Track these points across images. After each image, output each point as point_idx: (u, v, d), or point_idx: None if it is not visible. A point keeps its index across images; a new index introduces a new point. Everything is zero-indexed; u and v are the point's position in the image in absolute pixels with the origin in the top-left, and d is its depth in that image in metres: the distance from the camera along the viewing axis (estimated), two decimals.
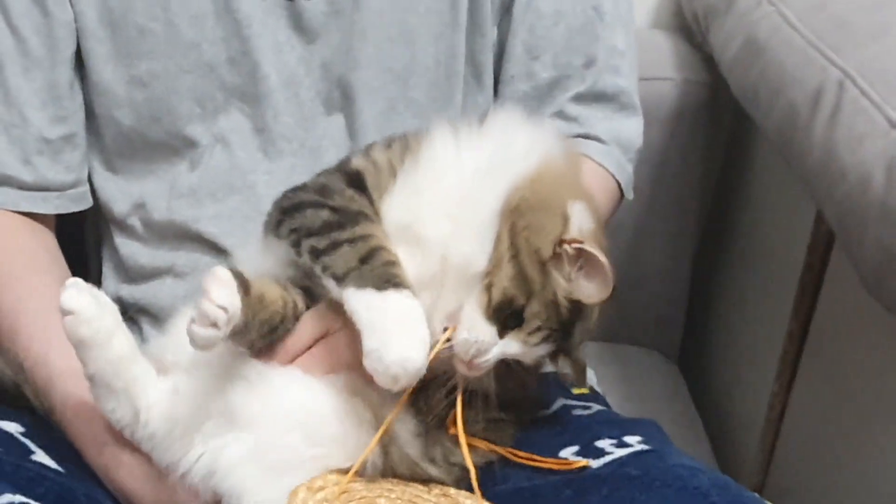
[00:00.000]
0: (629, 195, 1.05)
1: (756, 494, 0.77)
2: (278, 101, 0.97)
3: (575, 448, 0.84)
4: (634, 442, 0.84)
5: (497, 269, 0.77)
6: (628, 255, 1.34)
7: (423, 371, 0.75)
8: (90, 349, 0.79)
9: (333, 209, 0.81)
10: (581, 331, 0.80)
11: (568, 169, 0.83)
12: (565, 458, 0.83)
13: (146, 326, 1.02)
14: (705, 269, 1.42)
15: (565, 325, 0.78)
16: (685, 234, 1.35)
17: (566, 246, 0.77)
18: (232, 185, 0.99)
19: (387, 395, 0.80)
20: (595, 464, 0.81)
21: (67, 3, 0.96)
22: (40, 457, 0.83)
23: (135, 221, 1.02)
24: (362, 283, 0.77)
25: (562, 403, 0.96)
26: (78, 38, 0.98)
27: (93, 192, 1.04)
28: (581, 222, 0.78)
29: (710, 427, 1.30)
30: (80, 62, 0.99)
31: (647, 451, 0.82)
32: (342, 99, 0.98)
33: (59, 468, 0.83)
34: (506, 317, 0.77)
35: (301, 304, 0.83)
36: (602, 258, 0.75)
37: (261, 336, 0.80)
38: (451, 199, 0.81)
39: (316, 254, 0.79)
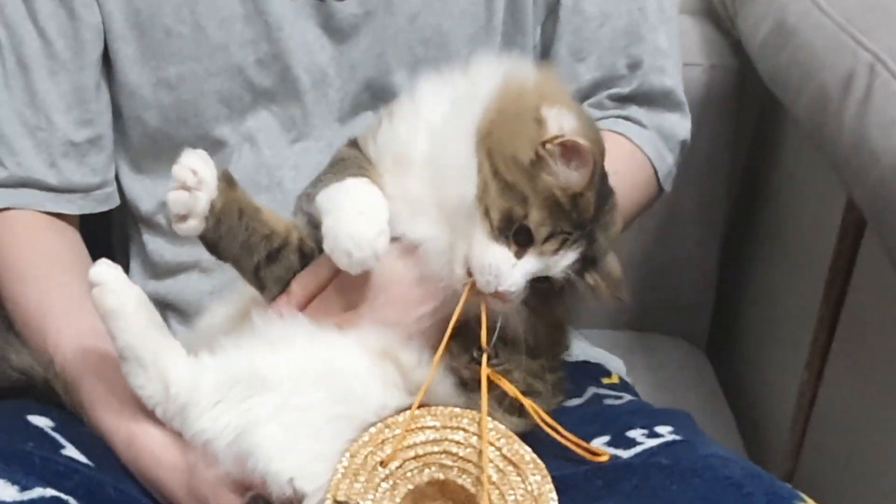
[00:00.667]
0: (667, 187, 1.04)
1: (788, 484, 0.77)
2: (308, 101, 0.98)
3: (606, 438, 0.84)
4: (665, 432, 0.84)
5: (486, 192, 0.77)
6: (656, 241, 1.34)
7: (378, 248, 0.77)
8: (117, 319, 0.82)
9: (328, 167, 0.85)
10: (603, 234, 0.79)
11: (540, 83, 0.82)
12: (595, 447, 0.82)
13: (173, 322, 1.03)
14: (734, 257, 1.41)
15: (582, 228, 0.77)
16: (713, 220, 1.34)
17: (548, 146, 0.76)
18: (259, 182, 1.00)
19: (420, 358, 0.81)
20: (626, 454, 0.82)
21: (95, 6, 0.97)
22: (70, 451, 0.84)
23: (161, 219, 1.03)
24: (327, 183, 0.80)
25: (593, 392, 0.97)
26: (105, 39, 0.98)
27: (120, 190, 1.05)
28: (561, 122, 0.77)
29: (739, 415, 1.29)
30: (107, 64, 1.00)
31: (678, 441, 0.82)
32: (371, 100, 0.99)
33: (89, 462, 0.84)
34: (515, 235, 0.77)
35: (311, 245, 0.84)
36: (582, 141, 0.75)
37: (266, 258, 0.82)
38: (428, 144, 0.82)
39: (308, 197, 0.83)
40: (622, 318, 1.40)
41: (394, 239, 0.81)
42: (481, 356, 0.80)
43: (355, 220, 0.78)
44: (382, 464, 0.78)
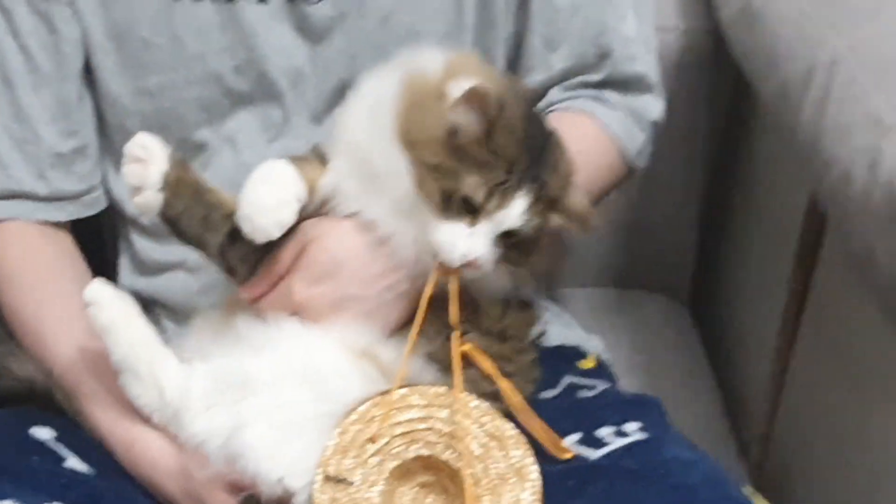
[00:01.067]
0: (640, 163, 1.07)
1: (743, 490, 0.83)
2: (286, 102, 1.01)
3: (577, 436, 0.89)
4: (633, 430, 0.89)
5: (422, 182, 0.82)
6: (638, 202, 1.36)
7: (280, 217, 0.83)
8: (112, 334, 0.87)
9: None
10: (552, 174, 0.82)
11: (448, 66, 0.85)
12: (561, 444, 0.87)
13: (164, 319, 1.07)
14: (714, 216, 1.43)
15: (515, 171, 0.81)
16: (692, 182, 1.36)
17: (452, 110, 0.80)
18: (239, 182, 1.01)
19: (399, 355, 0.85)
20: (595, 454, 0.87)
21: (74, 20, 1.00)
22: (72, 462, 0.90)
23: (147, 219, 1.06)
24: None
25: (568, 382, 1.01)
26: (86, 52, 1.01)
27: (108, 192, 1.08)
28: (462, 86, 0.80)
29: (719, 373, 1.34)
30: (89, 75, 1.03)
31: (644, 440, 0.88)
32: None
33: (90, 470, 0.90)
34: (460, 207, 0.81)
35: None
36: (475, 84, 0.79)
37: (228, 236, 0.87)
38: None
39: None
40: (606, 277, 1.43)
41: (351, 215, 0.87)
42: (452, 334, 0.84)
43: (258, 189, 0.84)
44: (371, 440, 0.82)
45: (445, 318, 0.85)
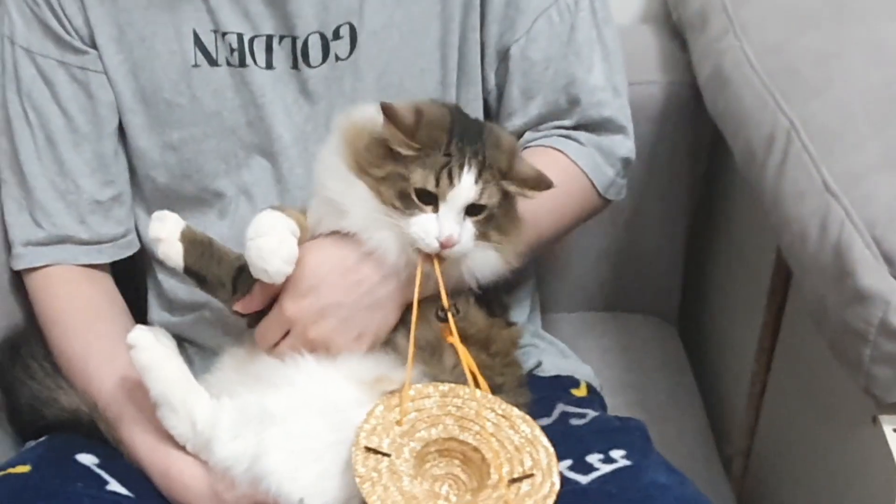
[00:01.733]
0: (610, 195, 1.17)
1: None
2: (292, 155, 1.12)
3: (569, 462, 0.99)
4: (618, 457, 0.99)
5: (380, 194, 0.95)
6: (626, 235, 1.46)
7: (284, 254, 0.95)
8: (151, 373, 0.99)
9: None
10: (492, 149, 0.95)
11: (374, 111, 0.97)
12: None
13: (192, 354, 1.18)
14: (699, 246, 1.52)
15: (453, 151, 0.93)
16: (676, 215, 1.46)
17: (382, 125, 0.94)
18: None
19: (398, 380, 0.95)
20: (584, 479, 0.97)
21: (108, 86, 1.11)
22: (113, 486, 1.00)
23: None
24: None
25: (561, 411, 1.11)
26: (119, 111, 1.13)
27: (138, 234, 1.19)
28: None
29: (705, 391, 1.42)
30: (121, 132, 1.14)
31: (626, 467, 0.97)
32: None
33: (130, 494, 1.00)
34: (419, 200, 0.94)
35: None
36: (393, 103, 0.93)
37: (238, 270, 1.00)
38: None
39: None
40: (599, 300, 1.52)
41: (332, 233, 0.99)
42: (446, 315, 0.96)
43: (258, 242, 0.95)
44: (398, 423, 0.92)
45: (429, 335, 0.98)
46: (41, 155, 1.12)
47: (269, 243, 0.96)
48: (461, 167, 0.93)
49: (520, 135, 1.15)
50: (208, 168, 1.13)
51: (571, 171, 1.13)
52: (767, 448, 1.29)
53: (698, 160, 1.43)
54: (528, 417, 0.94)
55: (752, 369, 1.28)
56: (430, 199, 0.94)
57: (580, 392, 1.17)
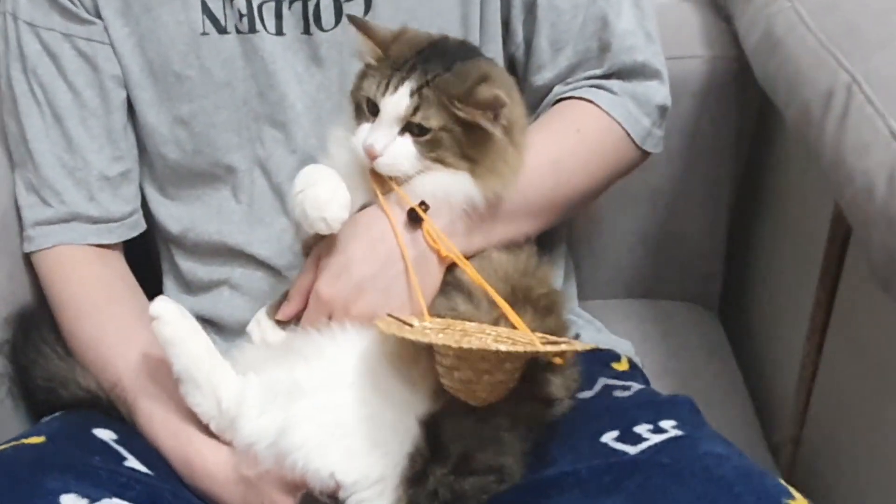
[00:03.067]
0: (647, 147, 1.11)
1: (779, 481, 0.84)
2: (305, 124, 1.08)
3: (615, 433, 0.93)
4: (669, 427, 0.93)
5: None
6: (667, 216, 1.42)
7: (339, 203, 0.93)
8: (174, 347, 0.95)
9: None
10: (444, 68, 0.94)
11: None
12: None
13: (212, 335, 1.12)
14: (743, 228, 1.47)
15: (399, 67, 0.94)
16: (719, 197, 1.41)
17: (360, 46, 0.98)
18: (276, 207, 1.10)
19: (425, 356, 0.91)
20: (633, 450, 0.90)
21: (114, 59, 1.08)
22: (132, 462, 0.96)
23: (188, 241, 1.14)
24: None
25: (603, 383, 1.06)
26: (126, 87, 1.10)
27: (150, 215, 1.16)
28: None
29: (749, 379, 1.37)
30: (130, 107, 1.11)
31: (679, 437, 0.91)
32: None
33: (149, 471, 0.95)
34: (368, 110, 0.94)
35: None
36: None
37: None
38: None
39: None
40: (637, 287, 1.49)
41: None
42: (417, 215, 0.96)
43: (309, 192, 0.93)
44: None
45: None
46: (49, 132, 1.09)
47: (323, 191, 0.93)
48: (402, 80, 0.92)
49: (550, 88, 1.11)
50: (220, 142, 1.09)
51: (604, 122, 1.09)
52: (820, 435, 1.24)
53: (742, 137, 1.39)
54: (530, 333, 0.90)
55: (802, 350, 1.23)
56: (375, 110, 0.94)
57: (621, 366, 1.13)
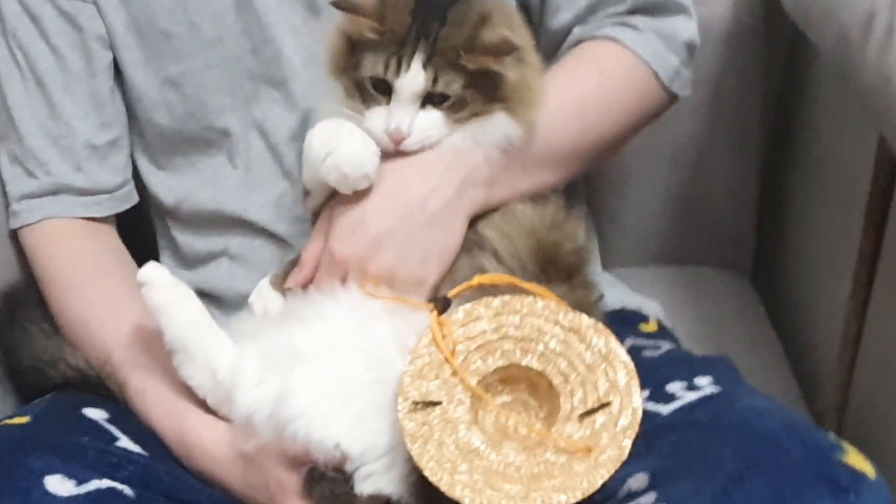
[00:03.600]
0: (675, 89, 1.04)
1: (828, 432, 0.77)
2: (303, 80, 1.01)
3: (646, 393, 0.85)
4: (705, 384, 0.86)
5: (347, 92, 0.90)
6: (693, 175, 1.35)
7: (375, 152, 0.87)
8: (165, 314, 0.89)
9: None
10: (442, 22, 0.86)
11: None
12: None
13: (210, 308, 1.05)
14: (774, 186, 1.40)
15: (406, 41, 0.86)
16: (748, 150, 1.33)
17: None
18: (275, 172, 1.04)
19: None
20: (665, 409, 0.84)
21: (98, 18, 1.03)
22: (124, 442, 0.90)
23: (183, 212, 1.08)
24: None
25: (630, 344, 0.98)
26: (111, 48, 1.04)
27: (143, 186, 1.10)
28: None
29: (787, 345, 1.30)
30: (118, 70, 1.06)
31: (716, 394, 0.84)
32: None
33: (143, 451, 0.89)
34: (376, 94, 0.87)
35: None
36: None
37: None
38: None
39: None
40: (665, 253, 1.41)
41: None
42: None
43: (342, 151, 0.87)
44: (447, 360, 0.81)
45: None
46: (31, 98, 1.04)
47: (357, 146, 0.88)
48: (411, 54, 0.86)
49: (568, 31, 1.04)
50: (213, 104, 1.03)
51: (629, 61, 1.01)
52: (867, 401, 1.16)
53: (771, 86, 1.32)
54: (600, 326, 0.81)
55: (845, 310, 1.16)
56: (386, 89, 0.87)
57: (650, 327, 1.06)
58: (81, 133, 1.04)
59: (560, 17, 1.03)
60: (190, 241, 1.09)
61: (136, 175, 1.10)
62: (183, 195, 1.07)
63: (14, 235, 1.07)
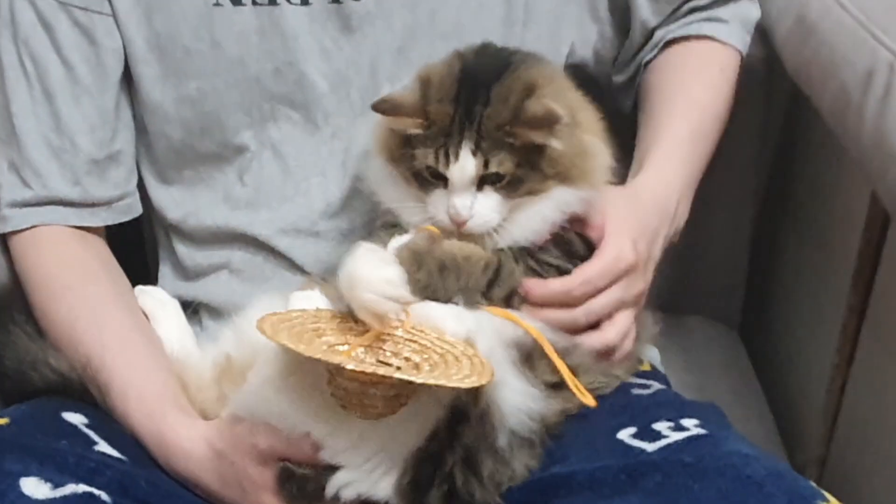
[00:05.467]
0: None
1: (812, 483, 0.78)
2: (328, 104, 1.02)
3: (632, 430, 0.87)
4: (691, 425, 0.86)
5: (405, 179, 0.90)
6: (687, 224, 1.35)
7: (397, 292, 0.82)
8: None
9: None
10: (485, 103, 0.86)
11: None
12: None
13: (206, 320, 1.08)
14: (766, 240, 1.42)
15: (451, 133, 0.86)
16: (743, 204, 1.35)
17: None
18: (285, 194, 1.04)
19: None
20: (651, 447, 0.84)
21: (116, 32, 1.02)
22: (103, 447, 0.89)
23: (187, 226, 1.08)
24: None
25: (620, 381, 0.98)
26: (127, 62, 1.03)
27: (147, 199, 1.10)
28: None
29: (771, 397, 1.31)
30: (129, 84, 1.05)
31: (703, 435, 0.84)
32: None
33: (122, 457, 0.89)
34: (434, 181, 0.88)
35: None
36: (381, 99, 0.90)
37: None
38: None
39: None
40: (654, 301, 1.41)
41: None
42: None
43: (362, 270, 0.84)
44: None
45: None
46: (37, 109, 1.03)
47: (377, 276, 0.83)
48: (458, 143, 0.86)
49: (650, 32, 1.10)
50: (230, 122, 1.03)
51: (728, 56, 1.11)
52: (848, 456, 1.17)
53: (767, 145, 1.34)
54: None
55: (831, 364, 1.17)
56: (442, 176, 0.88)
57: (642, 367, 1.05)
58: (84, 149, 1.03)
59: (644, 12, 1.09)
60: (192, 253, 1.08)
61: (141, 188, 1.09)
62: (190, 210, 1.07)
63: (0, 239, 1.06)
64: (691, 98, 1.07)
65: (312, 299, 0.88)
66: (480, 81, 0.88)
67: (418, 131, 0.87)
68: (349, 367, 0.75)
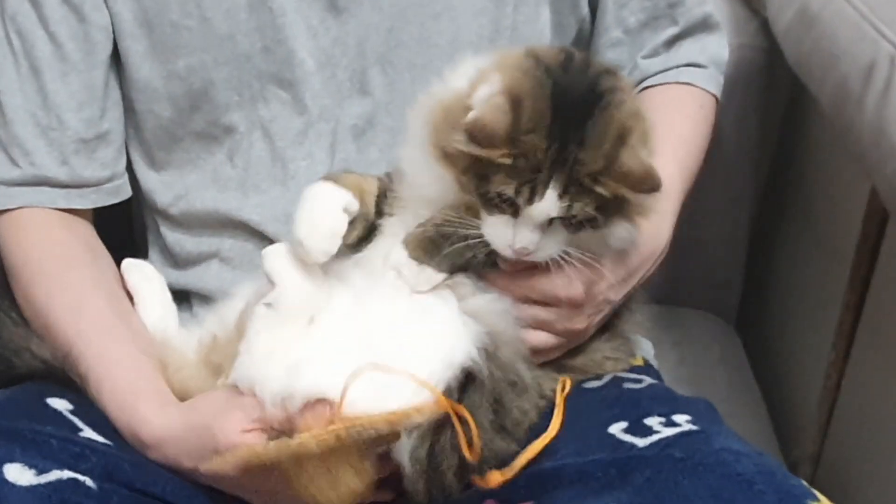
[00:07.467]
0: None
1: (803, 482, 0.77)
2: (315, 83, 1.00)
3: (624, 424, 0.85)
4: (683, 421, 0.85)
5: (464, 187, 0.83)
6: (686, 217, 1.33)
7: (337, 229, 0.84)
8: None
9: None
10: (590, 149, 0.80)
11: (469, 84, 0.85)
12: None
13: (196, 307, 1.06)
14: (764, 235, 1.41)
15: (541, 169, 0.80)
16: (743, 197, 1.35)
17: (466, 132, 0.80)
18: (274, 176, 1.03)
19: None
20: (641, 443, 0.82)
21: (104, 7, 1.00)
22: (88, 433, 0.87)
23: (177, 211, 1.06)
24: None
25: (612, 375, 0.97)
26: (115, 38, 1.01)
27: (136, 183, 1.08)
28: (480, 95, 0.82)
29: (766, 392, 1.30)
30: (117, 61, 1.03)
31: (694, 431, 0.83)
32: (382, 76, 1.00)
33: (107, 442, 0.87)
34: (501, 204, 0.82)
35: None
36: (478, 119, 0.79)
37: None
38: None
39: None
40: (651, 293, 1.40)
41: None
42: None
43: (305, 214, 0.86)
44: None
45: None
46: (23, 85, 1.00)
47: (315, 218, 0.85)
48: (546, 183, 0.80)
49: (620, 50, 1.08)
50: (219, 99, 1.01)
51: (707, 103, 1.10)
52: (842, 453, 1.16)
53: (767, 139, 1.32)
54: None
55: (826, 360, 1.16)
56: (512, 204, 0.82)
57: (635, 361, 1.04)
58: (72, 126, 1.01)
59: (611, 35, 1.07)
60: (181, 241, 1.07)
61: (129, 171, 1.08)
62: (180, 192, 1.05)
63: None
64: (677, 135, 1.03)
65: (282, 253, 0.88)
66: (573, 114, 0.82)
67: (506, 162, 0.80)
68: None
